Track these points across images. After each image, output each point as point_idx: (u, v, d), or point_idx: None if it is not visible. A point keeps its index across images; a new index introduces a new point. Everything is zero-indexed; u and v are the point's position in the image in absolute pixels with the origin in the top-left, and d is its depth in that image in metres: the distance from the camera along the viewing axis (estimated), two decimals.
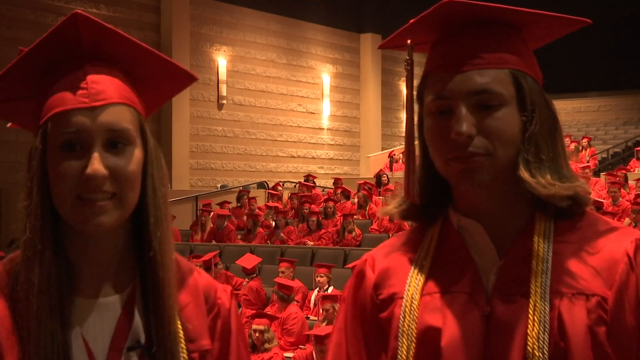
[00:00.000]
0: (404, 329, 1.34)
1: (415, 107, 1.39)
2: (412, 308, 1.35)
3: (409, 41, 1.38)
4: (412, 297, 1.36)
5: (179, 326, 1.30)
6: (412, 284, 1.37)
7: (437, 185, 1.40)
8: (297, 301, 9.25)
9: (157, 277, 1.28)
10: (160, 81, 1.35)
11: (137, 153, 1.26)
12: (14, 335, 1.23)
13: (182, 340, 1.30)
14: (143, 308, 1.29)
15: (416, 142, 1.41)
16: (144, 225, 1.29)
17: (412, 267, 1.40)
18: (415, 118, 1.40)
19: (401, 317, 1.36)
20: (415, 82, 1.42)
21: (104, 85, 1.25)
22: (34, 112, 1.28)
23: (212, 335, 1.36)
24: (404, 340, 1.34)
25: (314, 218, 12.60)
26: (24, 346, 1.21)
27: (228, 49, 19.56)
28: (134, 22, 17.50)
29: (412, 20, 1.37)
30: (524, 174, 1.29)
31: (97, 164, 1.20)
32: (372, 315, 1.42)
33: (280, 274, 9.48)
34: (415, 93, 1.40)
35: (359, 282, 1.46)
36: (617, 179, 12.99)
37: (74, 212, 1.22)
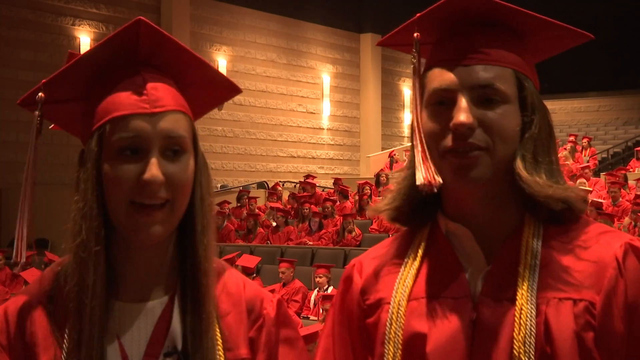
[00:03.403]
0: (391, 334, 1.33)
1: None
2: (398, 313, 1.34)
3: (415, 34, 1.36)
4: (399, 303, 1.35)
5: (218, 334, 1.30)
6: (400, 289, 1.36)
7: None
8: (297, 301, 9.26)
9: (200, 283, 1.28)
10: (206, 90, 1.36)
11: (191, 161, 1.26)
12: (52, 336, 1.24)
13: (220, 348, 1.29)
14: (182, 314, 1.29)
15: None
16: (190, 233, 1.29)
17: (400, 272, 1.38)
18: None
19: (388, 322, 1.34)
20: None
21: (163, 92, 1.25)
22: (82, 116, 1.28)
23: (256, 346, 1.34)
24: (391, 346, 1.33)
25: (317, 219, 12.61)
26: (60, 347, 1.23)
27: (228, 49, 19.56)
28: None
29: (418, 14, 1.36)
30: (522, 171, 1.28)
31: (155, 170, 1.20)
32: (359, 321, 1.40)
33: (281, 274, 9.49)
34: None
35: (347, 288, 1.45)
36: (617, 179, 12.99)
37: (127, 218, 1.22)
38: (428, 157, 1.31)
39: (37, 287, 1.31)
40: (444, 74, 1.31)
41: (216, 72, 1.34)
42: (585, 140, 18.47)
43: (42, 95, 1.27)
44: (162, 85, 1.26)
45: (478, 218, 1.33)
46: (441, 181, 1.30)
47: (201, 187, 1.29)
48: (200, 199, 1.29)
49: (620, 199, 11.78)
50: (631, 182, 13.39)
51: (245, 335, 1.34)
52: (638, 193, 11.84)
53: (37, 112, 1.27)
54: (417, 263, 1.38)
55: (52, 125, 1.38)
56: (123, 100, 1.23)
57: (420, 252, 1.39)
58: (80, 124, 1.29)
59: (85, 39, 16.69)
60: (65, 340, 1.23)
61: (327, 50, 22.44)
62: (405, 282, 1.37)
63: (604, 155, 20.51)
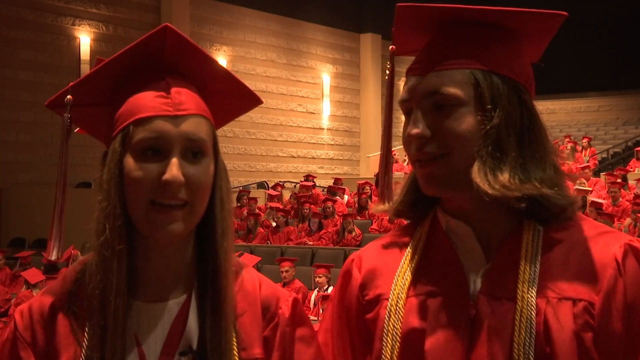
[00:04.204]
0: (389, 330, 1.33)
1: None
2: (397, 310, 1.34)
3: (391, 47, 1.40)
4: (398, 299, 1.35)
5: (234, 334, 1.31)
6: (398, 285, 1.36)
7: None
8: None
9: (220, 285, 1.30)
10: (227, 100, 1.38)
11: (211, 165, 1.29)
12: (72, 335, 1.27)
13: (235, 348, 1.31)
14: (200, 314, 1.31)
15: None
16: (210, 235, 1.31)
17: (399, 268, 1.38)
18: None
19: (386, 318, 1.35)
20: None
21: (186, 97, 1.28)
22: (106, 119, 1.31)
23: (270, 345, 1.35)
24: (389, 341, 1.33)
25: (316, 219, 12.62)
26: (80, 345, 1.26)
27: (228, 49, 19.56)
28: (134, 22, 17.50)
29: (393, 29, 1.39)
30: (474, 173, 1.27)
31: (175, 170, 1.22)
32: (358, 316, 1.41)
33: (284, 273, 9.49)
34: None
35: (346, 283, 1.45)
36: (617, 179, 12.98)
37: (147, 217, 1.24)
38: (387, 174, 1.41)
39: (60, 285, 1.33)
40: (407, 85, 1.35)
41: (239, 83, 1.37)
42: (585, 140, 18.47)
43: (71, 97, 1.29)
44: (186, 90, 1.29)
45: (476, 216, 1.33)
46: (390, 202, 1.40)
47: (221, 191, 1.32)
48: (221, 203, 1.32)
49: (620, 199, 11.78)
50: (631, 182, 13.40)
51: (260, 335, 1.35)
52: (638, 193, 11.84)
53: (66, 115, 1.30)
54: (416, 259, 1.38)
55: (77, 128, 1.40)
56: (147, 103, 1.26)
57: (419, 248, 1.39)
58: (104, 127, 1.32)
59: (85, 39, 16.68)
60: (85, 339, 1.26)
61: (327, 50, 22.44)
62: (404, 278, 1.37)
63: (604, 155, 20.51)
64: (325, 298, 8.24)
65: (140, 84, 1.29)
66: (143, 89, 1.28)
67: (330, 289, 9.01)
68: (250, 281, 1.39)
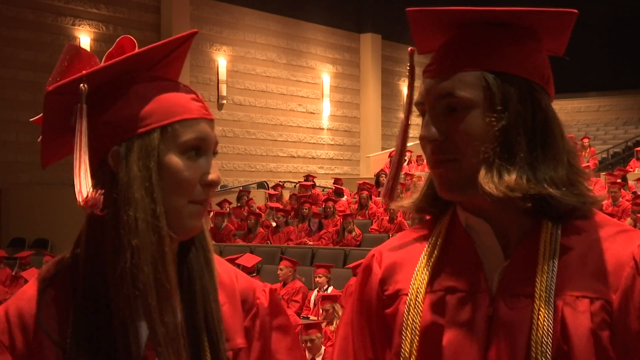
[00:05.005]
0: (408, 325, 1.35)
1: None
2: (416, 305, 1.35)
3: (409, 49, 1.41)
4: (417, 294, 1.36)
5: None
6: (417, 281, 1.37)
7: None
8: (298, 301, 9.26)
9: (212, 275, 1.35)
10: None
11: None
12: (50, 338, 1.26)
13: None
14: (187, 304, 1.31)
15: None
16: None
17: (418, 264, 1.39)
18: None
19: (405, 314, 1.36)
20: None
21: (204, 102, 1.35)
22: (111, 112, 1.29)
23: (251, 335, 1.39)
24: (408, 336, 1.34)
25: (316, 219, 12.62)
26: (61, 346, 1.25)
27: (228, 49, 19.56)
28: (134, 22, 17.50)
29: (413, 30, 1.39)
30: (480, 175, 1.28)
31: (217, 171, 1.31)
32: (377, 311, 1.42)
33: (278, 271, 9.49)
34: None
35: (366, 277, 1.46)
36: (617, 179, 12.99)
37: (184, 213, 1.28)
38: (396, 175, 1.43)
39: (36, 288, 1.31)
40: (421, 87, 1.35)
41: (170, 42, 1.35)
42: (585, 140, 18.47)
43: (85, 86, 1.25)
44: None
45: (494, 214, 1.33)
46: (393, 200, 1.43)
47: None
48: None
49: (620, 199, 11.78)
50: (631, 182, 13.40)
51: (241, 325, 1.38)
52: (638, 193, 11.85)
53: (82, 105, 1.24)
54: (435, 255, 1.39)
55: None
56: (188, 105, 1.30)
57: (439, 244, 1.40)
58: (103, 119, 1.28)
59: (85, 39, 16.69)
60: (67, 341, 1.24)
61: (327, 50, 22.44)
62: (423, 273, 1.38)
63: (604, 155, 20.51)
64: (325, 298, 8.23)
65: (163, 85, 1.31)
66: (171, 90, 1.30)
67: (331, 289, 9.00)
68: (227, 274, 1.41)
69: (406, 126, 1.43)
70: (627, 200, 11.60)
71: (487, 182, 1.27)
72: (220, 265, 1.40)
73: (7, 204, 14.50)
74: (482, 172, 1.28)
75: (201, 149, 1.29)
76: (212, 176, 1.29)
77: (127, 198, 1.23)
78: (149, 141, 1.25)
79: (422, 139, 1.32)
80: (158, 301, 1.23)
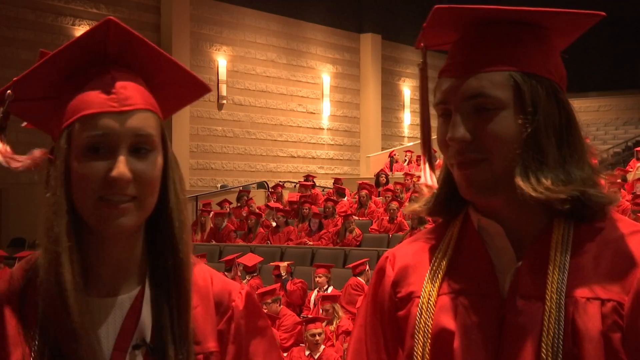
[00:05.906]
0: (420, 328, 1.34)
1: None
2: (428, 307, 1.35)
3: (420, 44, 1.39)
4: (429, 297, 1.36)
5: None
6: (429, 284, 1.37)
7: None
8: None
9: (184, 278, 1.31)
10: (176, 90, 1.37)
11: (159, 159, 1.28)
12: (22, 334, 1.25)
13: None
14: (153, 308, 1.30)
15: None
16: (167, 228, 1.31)
17: (430, 266, 1.39)
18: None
19: (417, 316, 1.35)
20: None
21: (131, 91, 1.27)
22: (53, 113, 1.30)
23: (226, 338, 1.37)
24: (420, 339, 1.34)
25: (316, 220, 12.62)
26: (30, 345, 1.24)
27: (228, 49, 19.56)
28: (134, 22, 17.49)
29: (424, 25, 1.37)
30: (517, 178, 1.27)
31: (122, 167, 1.22)
32: (390, 313, 1.42)
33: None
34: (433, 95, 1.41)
35: (379, 280, 1.46)
36: (617, 179, 12.98)
37: (95, 212, 1.24)
38: (428, 162, 1.37)
39: (7, 285, 1.31)
40: (444, 86, 1.33)
41: (186, 72, 1.35)
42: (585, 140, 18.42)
43: (11, 92, 1.29)
44: (131, 84, 1.28)
45: (507, 216, 1.33)
46: (436, 185, 1.37)
47: (174, 183, 1.32)
48: (175, 196, 1.31)
49: (620, 199, 11.77)
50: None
51: (214, 329, 1.36)
52: (638, 193, 11.84)
53: (2, 109, 1.30)
54: (447, 257, 1.38)
55: (24, 123, 1.39)
56: (92, 99, 1.25)
57: (451, 246, 1.39)
58: (51, 121, 1.31)
59: None
60: (36, 339, 1.24)
61: (327, 50, 22.44)
62: (435, 276, 1.37)
63: (604, 155, 20.50)
64: (325, 298, 8.23)
65: (86, 79, 1.27)
66: (88, 84, 1.26)
67: (331, 289, 8.99)
68: (202, 275, 1.39)
69: (427, 121, 1.41)
70: (627, 200, 11.60)
71: (526, 184, 1.26)
72: (198, 268, 1.39)
73: (7, 204, 14.49)
74: (518, 174, 1.27)
75: (105, 145, 1.23)
76: (113, 173, 1.22)
77: (45, 198, 1.25)
78: (60, 142, 1.26)
79: (449, 140, 1.29)
80: (77, 298, 1.22)
